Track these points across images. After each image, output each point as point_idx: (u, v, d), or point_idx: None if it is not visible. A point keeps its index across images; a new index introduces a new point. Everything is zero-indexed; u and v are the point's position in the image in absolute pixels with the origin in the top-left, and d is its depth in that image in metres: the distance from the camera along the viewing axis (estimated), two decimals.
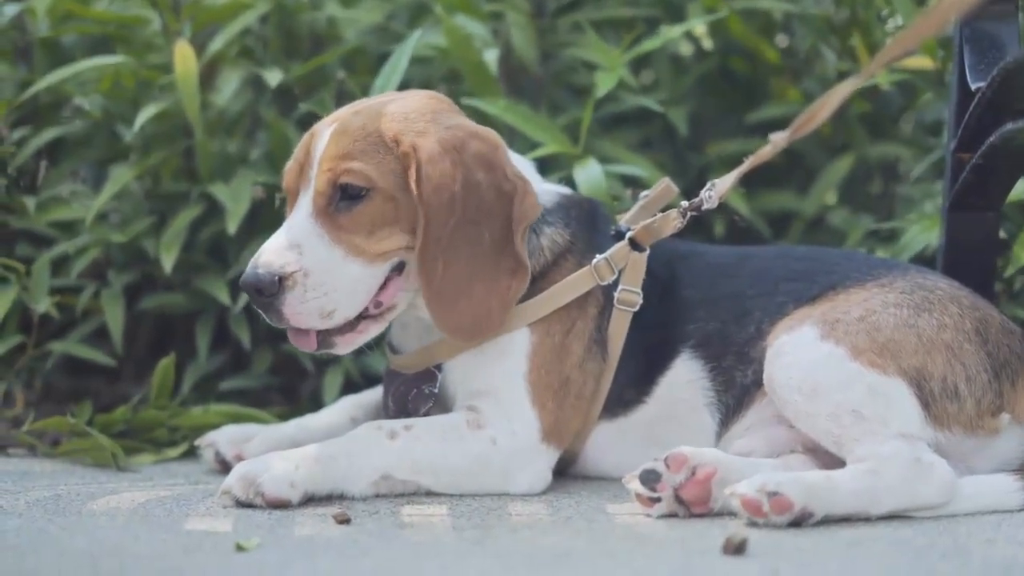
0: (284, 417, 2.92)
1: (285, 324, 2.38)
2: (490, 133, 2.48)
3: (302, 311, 2.35)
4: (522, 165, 2.60)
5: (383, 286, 2.42)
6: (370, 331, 2.45)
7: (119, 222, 3.25)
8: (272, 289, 2.33)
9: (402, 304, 2.46)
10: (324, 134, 2.43)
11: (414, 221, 2.39)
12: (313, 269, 2.35)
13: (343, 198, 2.38)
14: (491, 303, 2.39)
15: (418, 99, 2.51)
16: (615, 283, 2.51)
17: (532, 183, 2.48)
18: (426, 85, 3.13)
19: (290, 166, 2.47)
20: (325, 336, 2.41)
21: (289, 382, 3.31)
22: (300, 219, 2.40)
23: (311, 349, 2.41)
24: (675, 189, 2.66)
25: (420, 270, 2.38)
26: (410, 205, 2.39)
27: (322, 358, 3.21)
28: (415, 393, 2.51)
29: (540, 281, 2.49)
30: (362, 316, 2.42)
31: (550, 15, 3.31)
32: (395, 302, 2.45)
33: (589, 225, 2.57)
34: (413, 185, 2.36)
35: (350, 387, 3.09)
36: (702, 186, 2.56)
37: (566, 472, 2.58)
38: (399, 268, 2.44)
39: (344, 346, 2.43)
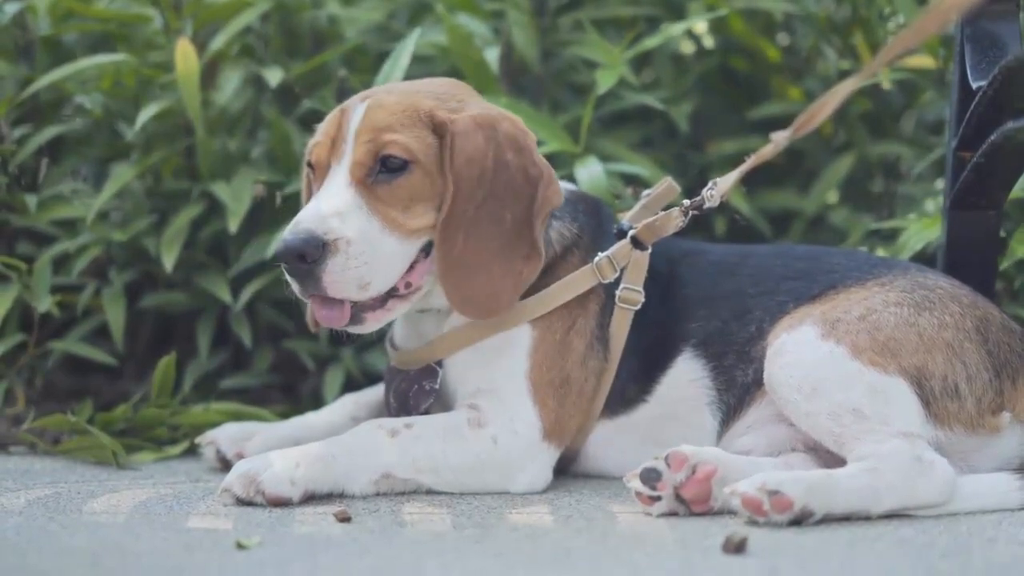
0: (285, 415, 2.92)
1: (320, 292, 2.33)
2: (519, 118, 2.49)
3: (341, 279, 2.32)
4: None
5: (411, 267, 2.41)
6: (396, 310, 2.42)
7: (120, 221, 3.25)
8: (316, 254, 2.30)
9: (426, 286, 2.45)
10: (358, 109, 2.42)
11: (445, 199, 2.39)
12: (354, 238, 2.32)
13: (382, 170, 2.38)
14: (505, 284, 2.39)
15: (446, 83, 2.54)
16: (617, 281, 2.51)
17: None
18: None
19: (319, 140, 2.44)
20: (356, 311, 2.38)
21: (290, 380, 3.31)
22: (337, 189, 2.37)
23: (340, 324, 2.37)
24: (677, 188, 2.66)
25: (440, 240, 2.37)
26: (444, 182, 2.39)
27: (322, 356, 3.22)
28: (416, 390, 2.51)
29: (546, 275, 2.49)
30: (390, 294, 2.41)
31: (551, 13, 3.31)
32: (421, 283, 2.44)
33: (595, 221, 2.58)
34: (448, 156, 2.36)
35: (351, 385, 3.09)
36: (703, 184, 2.57)
37: (567, 470, 2.58)
38: (426, 250, 2.43)
39: (372, 323, 2.40)
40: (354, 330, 2.40)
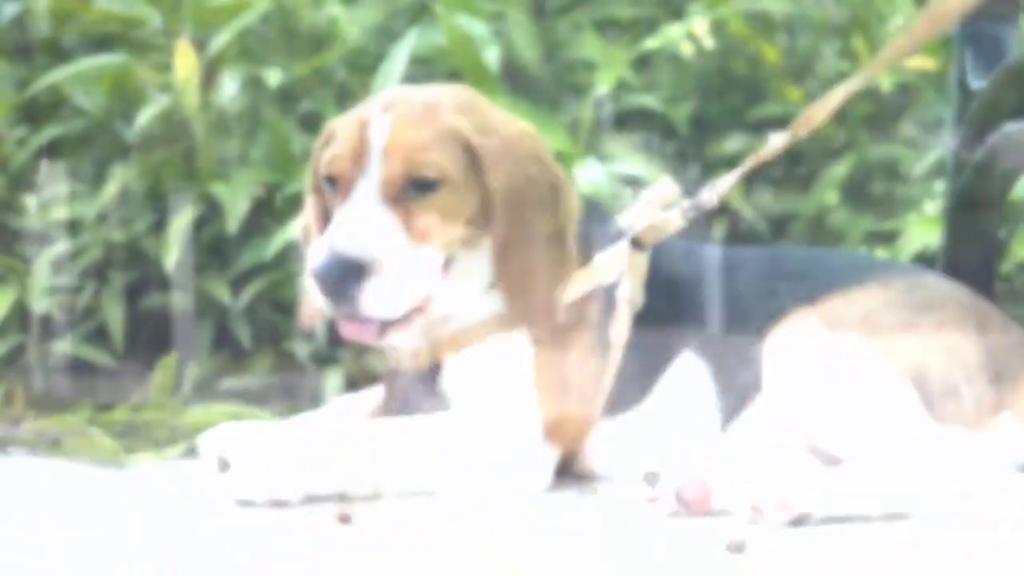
0: (284, 416, 2.92)
1: (354, 312, 2.31)
2: (532, 128, 2.50)
3: (377, 300, 2.30)
4: None
5: None
6: (417, 322, 2.41)
7: (120, 221, 3.25)
8: (356, 276, 2.29)
9: (440, 298, 2.45)
10: (380, 122, 2.37)
11: (472, 214, 2.38)
12: (390, 258, 2.31)
13: (413, 188, 2.36)
14: (554, 292, 2.40)
15: (461, 91, 2.51)
16: (616, 283, 2.51)
17: None
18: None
19: (339, 154, 2.38)
20: (383, 326, 2.36)
21: (289, 381, 3.31)
22: (368, 208, 2.34)
23: (369, 338, 2.35)
24: (676, 188, 2.66)
25: (496, 259, 2.37)
26: (471, 198, 2.38)
27: (322, 357, 3.22)
28: (416, 391, 2.51)
29: None
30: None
31: (551, 14, 3.31)
32: (436, 295, 2.44)
33: (594, 222, 2.58)
34: (488, 176, 2.35)
35: (351, 386, 3.09)
36: (703, 186, 2.56)
37: (566, 471, 2.58)
38: (446, 264, 2.42)
39: (393, 337, 2.39)
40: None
